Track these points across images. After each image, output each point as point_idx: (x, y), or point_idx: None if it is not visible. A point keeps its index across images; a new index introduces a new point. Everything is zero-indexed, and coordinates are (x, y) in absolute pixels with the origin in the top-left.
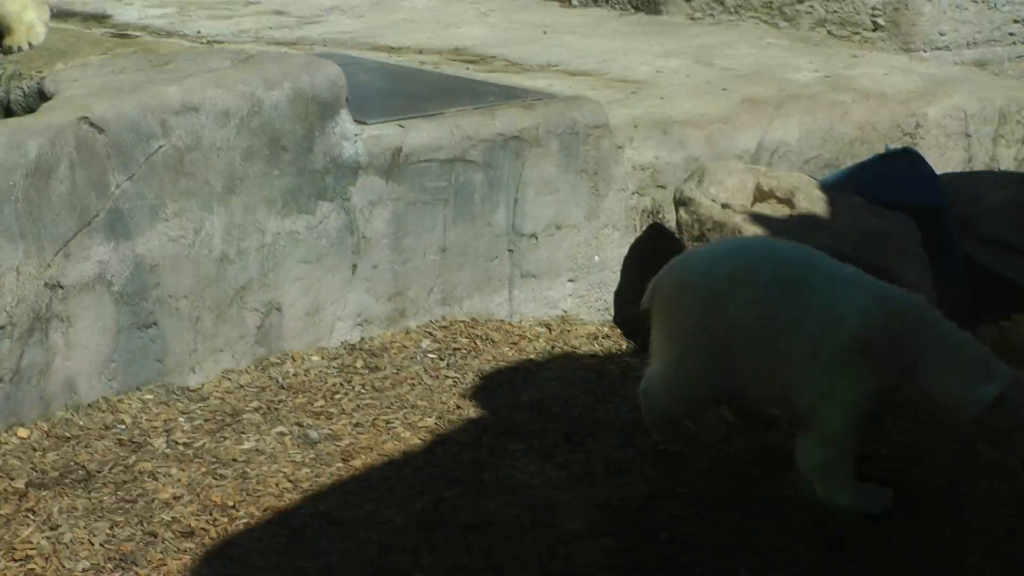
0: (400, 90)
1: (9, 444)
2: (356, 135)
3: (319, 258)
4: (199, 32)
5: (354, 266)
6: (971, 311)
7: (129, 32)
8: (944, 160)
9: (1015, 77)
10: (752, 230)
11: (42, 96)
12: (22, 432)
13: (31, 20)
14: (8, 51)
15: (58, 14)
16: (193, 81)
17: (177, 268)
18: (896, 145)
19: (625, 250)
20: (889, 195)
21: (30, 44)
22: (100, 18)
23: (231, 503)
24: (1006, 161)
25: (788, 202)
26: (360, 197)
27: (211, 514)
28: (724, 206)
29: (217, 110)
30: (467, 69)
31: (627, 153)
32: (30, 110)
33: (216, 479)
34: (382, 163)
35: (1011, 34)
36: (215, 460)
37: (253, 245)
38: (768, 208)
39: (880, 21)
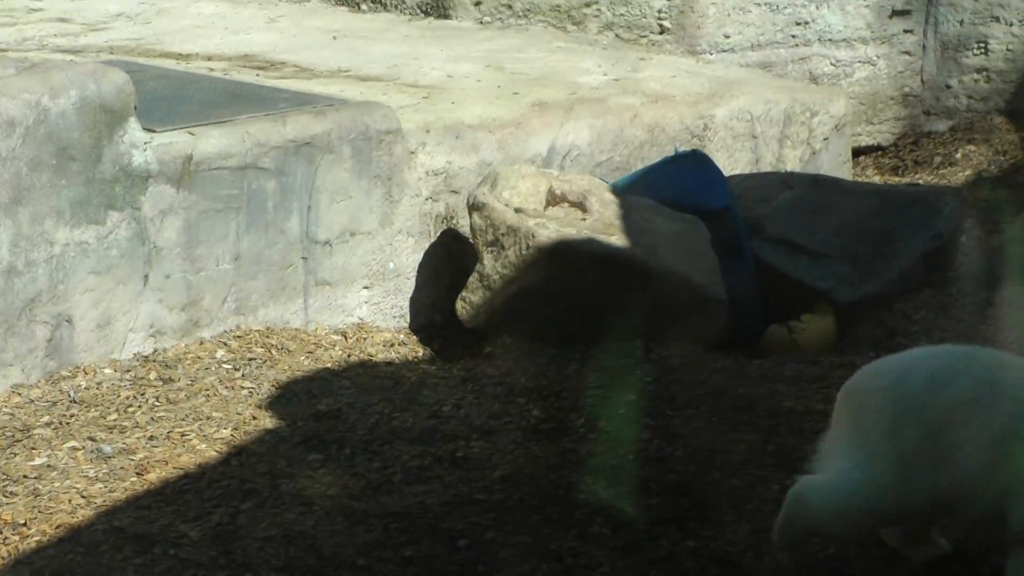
0: (189, 97)
1: None
2: (145, 143)
3: (110, 269)
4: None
5: (146, 276)
6: (761, 311)
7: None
8: (732, 161)
9: (797, 79)
10: (545, 234)
11: None
12: None
13: None
14: None
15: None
16: None
17: None
18: (685, 147)
19: (420, 256)
20: (679, 197)
21: None
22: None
23: (22, 520)
24: (791, 162)
25: (580, 205)
26: (151, 206)
27: (1, 532)
28: (517, 210)
29: (2, 119)
30: (257, 76)
31: (420, 158)
32: None
33: (6, 496)
34: (172, 171)
35: (793, 36)
36: (5, 477)
37: (42, 256)
38: (561, 212)
39: (666, 24)
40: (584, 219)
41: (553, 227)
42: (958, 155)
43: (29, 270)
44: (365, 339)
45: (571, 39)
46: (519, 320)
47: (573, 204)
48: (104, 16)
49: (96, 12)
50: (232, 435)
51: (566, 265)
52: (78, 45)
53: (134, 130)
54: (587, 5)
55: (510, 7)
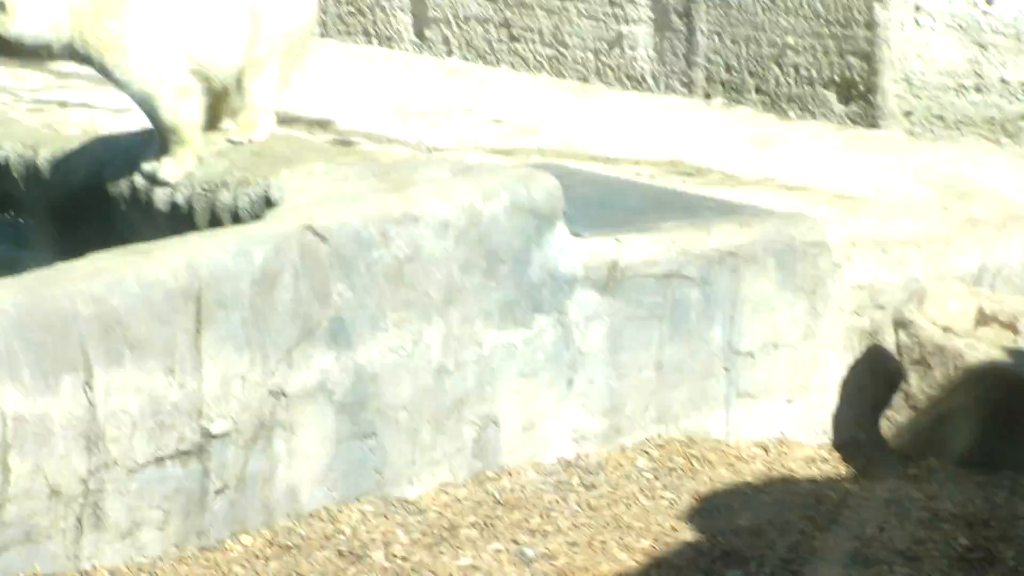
0: (616, 202)
1: (233, 551)
2: (573, 248)
3: (536, 371)
4: (419, 140)
5: (570, 380)
6: None
7: (352, 139)
8: None
9: None
10: (974, 356)
11: (268, 203)
12: (245, 539)
13: (257, 119)
14: (232, 141)
15: (284, 119)
16: (414, 191)
17: (396, 379)
18: None
19: (843, 371)
20: None
21: (250, 138)
22: (324, 124)
23: None
24: None
25: (1012, 327)
26: (576, 311)
27: None
28: (945, 329)
29: (437, 221)
30: (683, 181)
31: (845, 272)
32: (256, 216)
33: None
34: (598, 277)
35: None
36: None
37: (470, 357)
38: (991, 332)
39: None
40: (1016, 341)
41: (983, 348)
42: None
43: (459, 370)
44: (786, 454)
45: (1005, 152)
46: (946, 442)
47: (1004, 325)
48: (536, 118)
49: (528, 114)
50: (652, 546)
51: (996, 388)
52: (510, 147)
53: (562, 235)
54: (1023, 118)
55: (941, 118)
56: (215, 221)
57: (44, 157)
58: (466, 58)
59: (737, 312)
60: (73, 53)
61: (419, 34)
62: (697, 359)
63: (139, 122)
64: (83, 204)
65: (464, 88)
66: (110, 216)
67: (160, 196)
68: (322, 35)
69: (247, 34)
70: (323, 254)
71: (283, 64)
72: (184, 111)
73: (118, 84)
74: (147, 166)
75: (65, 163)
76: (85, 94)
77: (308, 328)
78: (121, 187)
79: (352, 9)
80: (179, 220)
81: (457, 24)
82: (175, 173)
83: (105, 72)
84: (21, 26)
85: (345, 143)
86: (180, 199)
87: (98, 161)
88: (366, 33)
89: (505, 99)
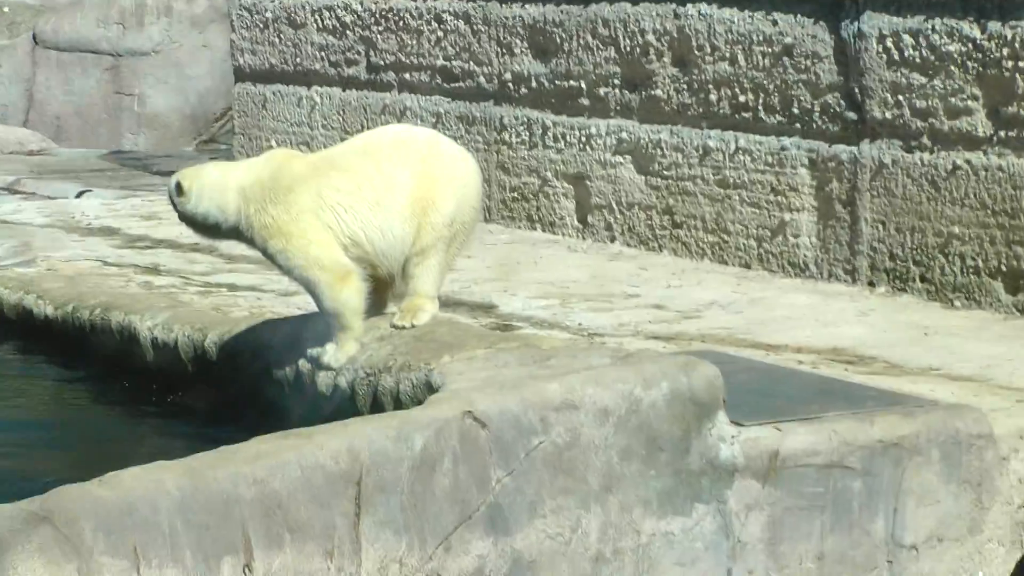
0: (777, 391)
1: None
2: (733, 437)
3: (694, 561)
4: (580, 324)
5: (729, 571)
6: None
7: (513, 324)
8: None
9: None
10: None
11: (429, 388)
12: None
13: (421, 305)
14: (395, 326)
15: (447, 304)
16: (573, 378)
17: (553, 566)
18: None
19: (1011, 567)
20: None
21: (413, 324)
22: (486, 308)
23: None
24: None
25: None
26: (736, 500)
27: None
28: None
29: (596, 408)
30: (845, 370)
31: (1012, 465)
32: (417, 401)
33: None
34: (758, 467)
35: None
36: None
37: (628, 545)
38: None
39: None
40: None
41: None
42: None
43: (616, 558)
44: None
45: None
46: None
47: None
48: (697, 304)
49: (690, 300)
50: None
51: None
52: (671, 332)
53: (722, 423)
54: None
55: None
56: (377, 405)
57: (212, 340)
58: (628, 244)
59: (901, 504)
60: (239, 235)
61: (582, 220)
62: (859, 551)
63: (306, 305)
64: (248, 385)
65: (626, 273)
66: (274, 398)
67: (323, 380)
68: (486, 220)
69: (415, 223)
70: (483, 440)
71: (448, 250)
72: (346, 297)
73: (281, 269)
74: (312, 351)
75: (232, 345)
76: (253, 278)
77: (466, 513)
78: (285, 370)
79: (516, 195)
80: (342, 404)
81: (620, 210)
82: (338, 358)
83: (269, 256)
84: (194, 206)
85: (506, 328)
86: (343, 383)
87: (264, 344)
88: (529, 218)
89: (667, 285)
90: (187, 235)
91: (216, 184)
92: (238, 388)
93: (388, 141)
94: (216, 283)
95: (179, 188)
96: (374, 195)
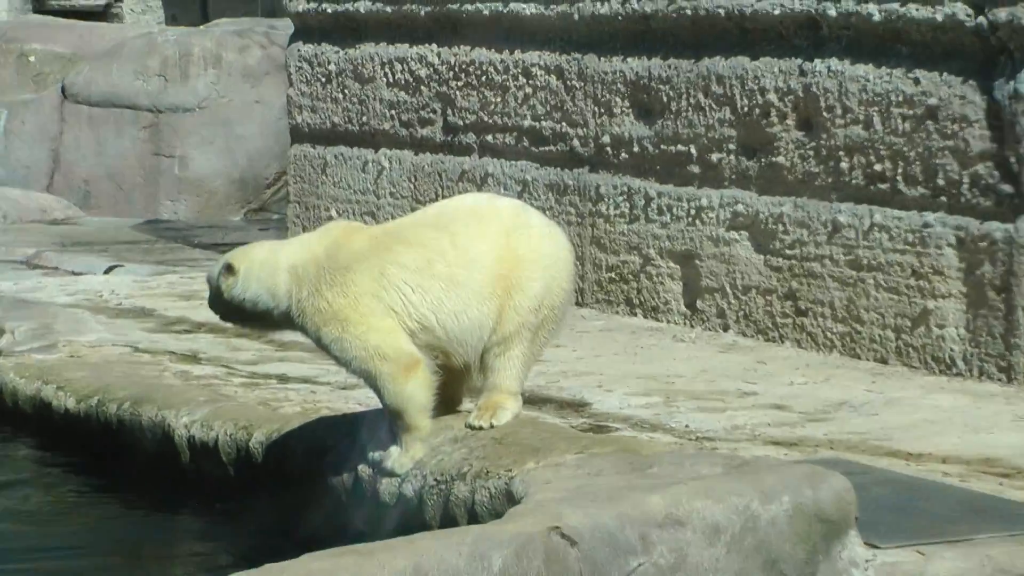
0: (919, 507)
1: None
2: (867, 561)
3: None
4: (687, 426)
5: None
6: None
7: (608, 424)
8: None
9: None
10: None
11: (510, 498)
12: None
13: (501, 401)
14: (471, 426)
15: (532, 400)
16: (679, 490)
17: None
18: None
19: None
20: None
21: (492, 424)
22: (577, 406)
23: None
24: None
25: None
26: None
27: None
28: None
29: (706, 525)
30: (1000, 484)
31: None
32: (495, 514)
33: None
34: None
35: None
36: None
37: None
38: None
39: None
40: None
41: None
42: None
43: None
44: None
45: None
46: None
47: None
48: (824, 404)
49: (816, 399)
50: None
51: None
52: (793, 437)
53: (854, 545)
54: None
55: None
56: (448, 518)
57: (258, 439)
58: (744, 333)
59: None
60: (290, 322)
61: (690, 305)
62: None
63: (367, 400)
64: (300, 492)
65: (741, 367)
66: (330, 507)
67: (386, 487)
68: (579, 303)
69: (495, 306)
70: (572, 560)
71: (534, 339)
72: (411, 392)
73: (337, 360)
74: (373, 454)
75: (282, 446)
76: (306, 368)
77: None
78: (343, 476)
79: (614, 276)
80: (407, 515)
81: (735, 294)
82: (403, 463)
83: (323, 346)
84: (242, 290)
85: (601, 430)
86: (409, 491)
87: (318, 445)
88: (629, 302)
89: (789, 382)
90: None
91: (266, 264)
92: (288, 495)
93: (466, 212)
94: (264, 374)
95: (229, 269)
96: (448, 272)
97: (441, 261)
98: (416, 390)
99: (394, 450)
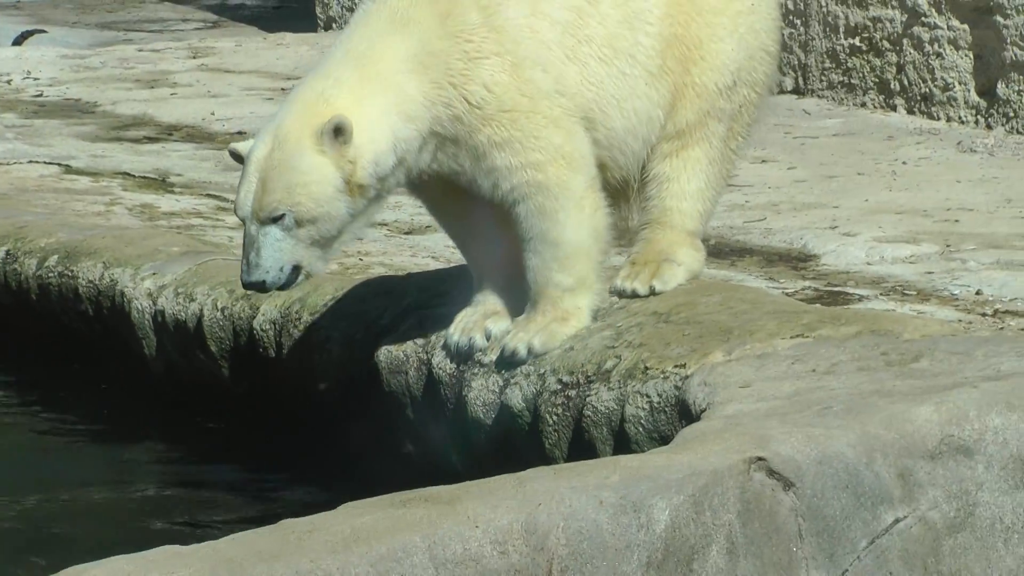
0: None
1: None
2: None
3: None
4: (978, 292)
5: None
6: None
7: (846, 290)
8: None
9: None
10: None
11: (682, 411)
12: None
13: (670, 250)
14: (620, 292)
15: (720, 248)
16: (965, 397)
17: None
18: None
19: None
20: None
21: (654, 288)
22: (797, 260)
23: None
24: None
25: None
26: None
27: None
28: None
29: (1009, 455)
30: None
31: None
32: (659, 437)
33: None
34: None
35: None
36: None
37: None
38: None
39: None
40: None
41: None
42: None
43: None
44: None
45: None
46: None
47: None
48: None
49: None
50: None
51: None
52: None
53: None
54: None
55: None
56: (581, 442)
57: (268, 316)
58: None
59: None
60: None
61: (986, 91)
62: None
63: (443, 253)
64: (338, 403)
65: None
66: (385, 424)
67: (480, 391)
68: (796, 91)
69: (668, 86)
70: (785, 512)
71: (726, 143)
72: (597, 223)
73: (494, 184)
74: (473, 333)
75: (309, 328)
76: None
77: None
78: (408, 372)
79: (858, 43)
80: (513, 438)
81: None
82: (555, 336)
83: (479, 166)
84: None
85: (835, 299)
86: (516, 399)
87: (368, 324)
88: (883, 88)
89: None
90: (222, 114)
91: (376, 88)
92: (317, 404)
93: None
94: None
95: (339, 130)
96: (605, 34)
97: (595, 14)
98: (601, 221)
99: (526, 323)
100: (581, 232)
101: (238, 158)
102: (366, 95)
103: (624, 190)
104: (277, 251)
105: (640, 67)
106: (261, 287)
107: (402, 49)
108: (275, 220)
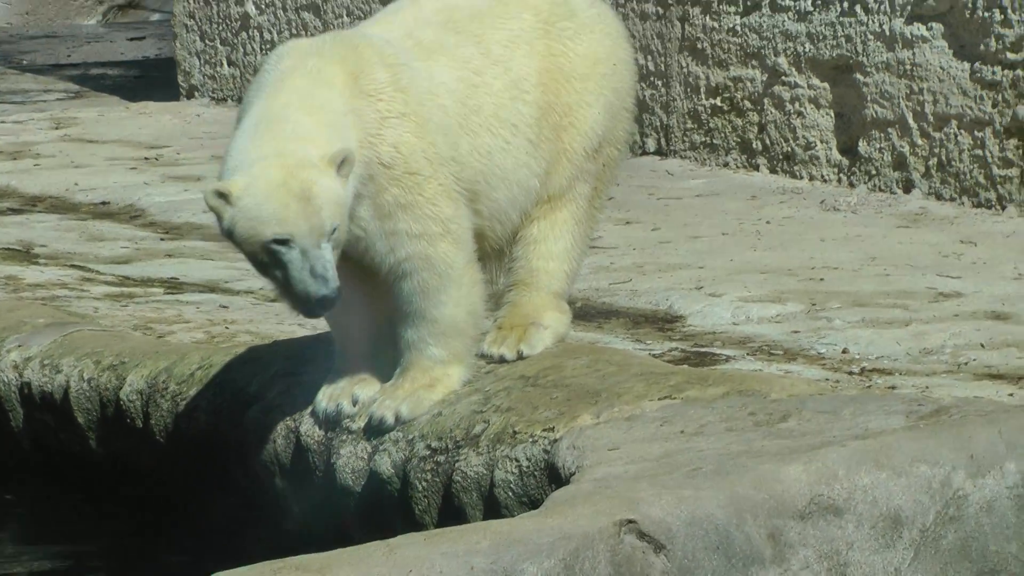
0: None
1: None
2: None
3: None
4: (844, 351)
5: None
6: None
7: (713, 350)
8: None
9: None
10: None
11: (551, 474)
12: None
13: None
14: (488, 357)
15: (587, 310)
16: (833, 456)
17: None
18: None
19: None
20: None
21: (520, 353)
22: (663, 321)
23: None
24: None
25: None
26: None
27: None
28: None
29: (877, 514)
30: None
31: None
32: (529, 501)
33: None
34: None
35: None
36: None
37: None
38: None
39: None
40: None
41: None
42: None
43: None
44: None
45: None
46: None
47: None
48: None
49: None
50: None
51: None
52: (1021, 367)
53: None
54: None
55: None
56: (451, 509)
57: (135, 387)
58: (939, 195)
59: None
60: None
61: (847, 149)
62: None
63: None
64: (203, 471)
65: (935, 252)
66: (250, 495)
67: (348, 459)
68: (662, 151)
69: (546, 153)
70: (657, 575)
71: (591, 204)
72: (475, 298)
73: (384, 255)
74: (340, 400)
75: (176, 397)
76: (211, 267)
77: None
78: (274, 441)
79: (720, 103)
80: (380, 505)
81: (922, 130)
82: (421, 402)
83: (379, 227)
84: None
85: (701, 360)
86: (385, 466)
87: (235, 391)
88: (745, 147)
89: (1015, 274)
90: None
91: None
92: (183, 474)
93: None
94: (142, 278)
95: (346, 162)
96: (492, 104)
97: (481, 84)
98: (478, 296)
99: (395, 389)
100: (459, 310)
101: (224, 196)
102: (332, 139)
103: (495, 254)
104: (333, 263)
105: (522, 136)
106: (335, 299)
107: (337, 103)
108: (329, 236)
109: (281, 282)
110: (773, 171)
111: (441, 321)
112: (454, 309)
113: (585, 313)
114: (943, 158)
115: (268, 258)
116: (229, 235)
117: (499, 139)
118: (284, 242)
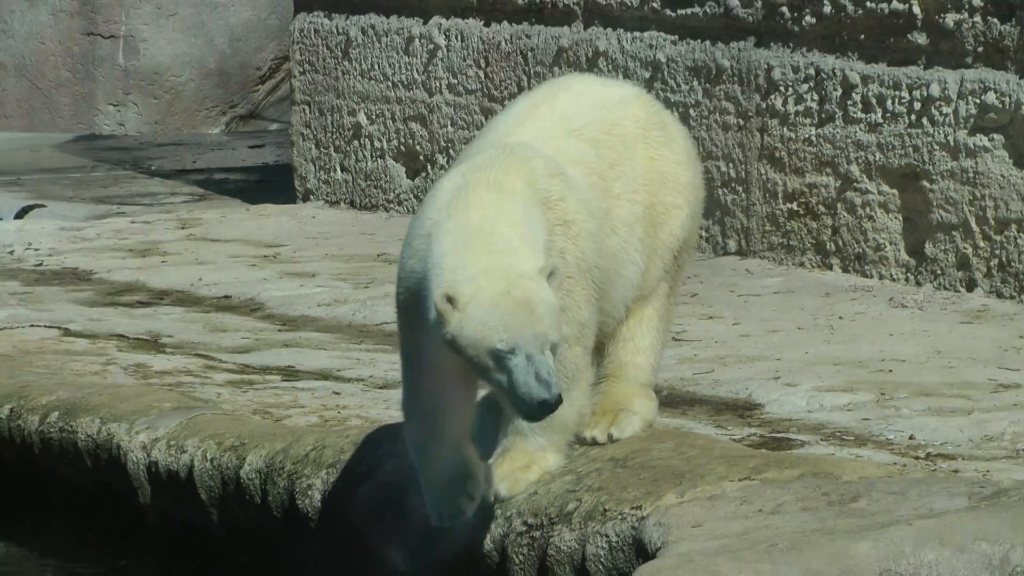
0: None
1: None
2: None
3: None
4: (911, 437)
5: None
6: None
7: (790, 436)
8: None
9: None
10: None
11: (639, 549)
12: None
13: (626, 400)
14: (581, 440)
15: (672, 399)
16: (900, 534)
17: None
18: None
19: None
20: None
21: (610, 436)
22: (743, 409)
23: None
24: None
25: None
26: None
27: None
28: None
29: None
30: None
31: None
32: (621, 575)
33: None
34: None
35: None
36: None
37: None
38: None
39: None
40: None
41: None
42: None
43: None
44: None
45: None
46: None
47: None
48: None
49: None
50: None
51: None
52: None
53: None
54: None
55: None
56: None
57: (254, 466)
58: (1000, 293)
59: None
60: None
61: (915, 250)
62: None
63: None
64: (319, 544)
65: (996, 346)
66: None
67: (452, 536)
68: (740, 252)
69: (646, 252)
70: None
71: (670, 298)
72: (587, 398)
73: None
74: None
75: (292, 476)
76: (325, 357)
77: None
78: (388, 518)
79: (796, 207)
80: (483, 572)
81: (984, 233)
82: (519, 483)
83: None
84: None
85: (778, 444)
86: (485, 541)
87: (349, 473)
88: (820, 248)
89: None
90: (209, 279)
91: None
92: (299, 548)
93: (590, 104)
94: (261, 366)
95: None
96: (607, 208)
97: (606, 188)
98: (587, 397)
99: (491, 469)
100: (572, 411)
101: (452, 301)
102: (533, 250)
103: (596, 349)
104: (554, 369)
105: (634, 236)
106: (556, 404)
107: (524, 214)
108: (551, 343)
109: (504, 386)
110: (845, 271)
111: (555, 419)
112: (568, 409)
113: (670, 401)
114: (1004, 259)
115: (493, 363)
116: (452, 341)
117: (620, 239)
118: (511, 350)
